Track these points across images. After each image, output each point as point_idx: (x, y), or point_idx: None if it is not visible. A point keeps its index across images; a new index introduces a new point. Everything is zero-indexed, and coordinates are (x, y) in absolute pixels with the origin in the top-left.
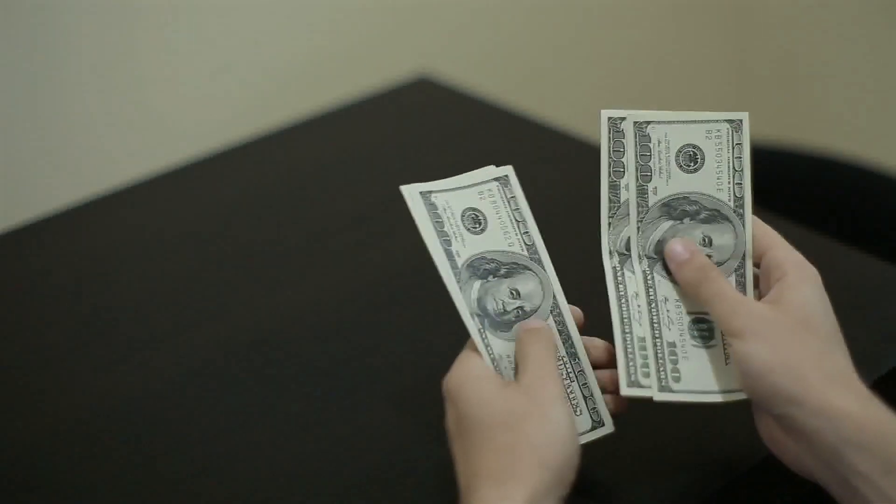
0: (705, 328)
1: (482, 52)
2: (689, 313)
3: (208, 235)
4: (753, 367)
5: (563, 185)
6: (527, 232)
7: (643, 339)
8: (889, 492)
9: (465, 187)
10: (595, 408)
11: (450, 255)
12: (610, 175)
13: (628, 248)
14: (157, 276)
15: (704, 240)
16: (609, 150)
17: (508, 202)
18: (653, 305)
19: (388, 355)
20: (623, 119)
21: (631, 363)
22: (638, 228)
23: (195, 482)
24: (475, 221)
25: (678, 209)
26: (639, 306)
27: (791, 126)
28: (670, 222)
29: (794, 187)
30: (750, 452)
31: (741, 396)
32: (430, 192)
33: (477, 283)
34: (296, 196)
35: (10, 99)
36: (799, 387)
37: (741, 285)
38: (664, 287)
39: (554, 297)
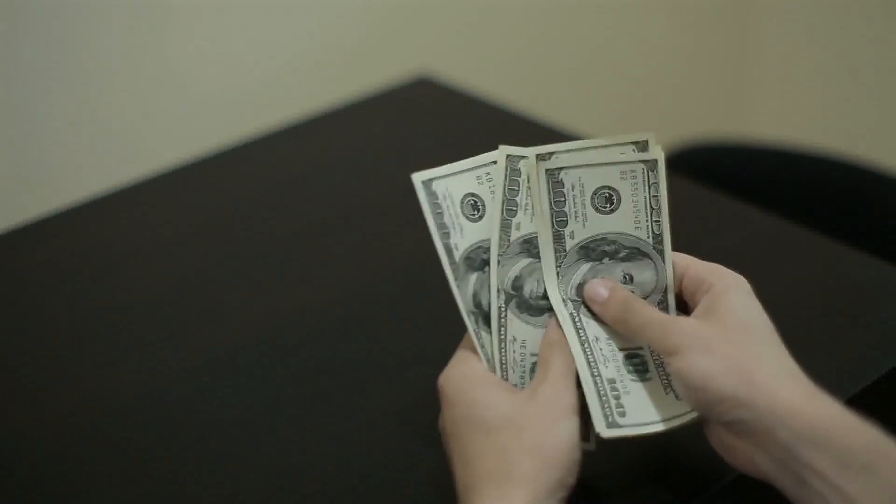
0: (639, 362)
1: (482, 52)
2: (621, 349)
3: (208, 235)
4: (695, 379)
5: None
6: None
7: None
8: (844, 486)
9: (466, 172)
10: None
11: (448, 249)
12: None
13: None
14: (157, 276)
15: (625, 277)
16: (505, 188)
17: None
18: (586, 346)
19: (389, 354)
20: (523, 158)
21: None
22: (558, 273)
23: (195, 482)
24: (474, 208)
25: (597, 250)
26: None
27: (791, 126)
28: (589, 264)
29: (794, 187)
30: None
31: (688, 418)
32: (433, 181)
33: (474, 276)
34: (296, 196)
35: (10, 99)
36: (745, 389)
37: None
38: (592, 327)
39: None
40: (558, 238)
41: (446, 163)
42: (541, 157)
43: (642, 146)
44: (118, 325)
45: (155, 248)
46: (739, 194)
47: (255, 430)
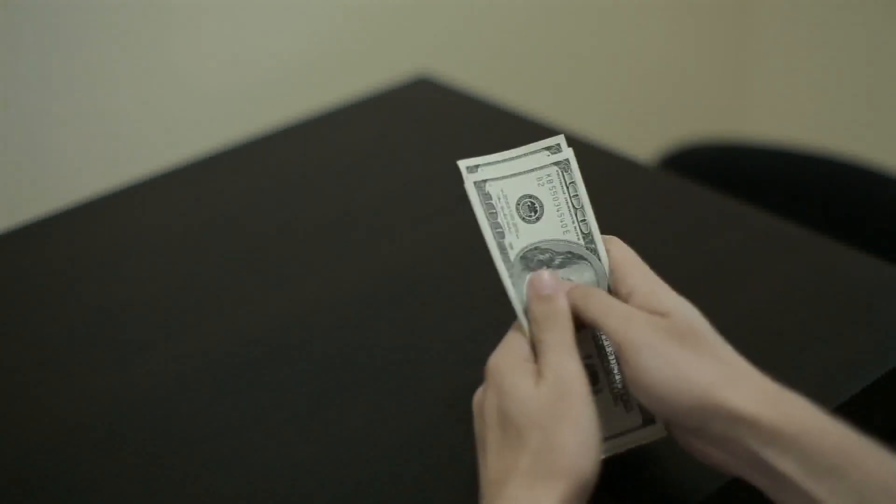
0: (589, 373)
1: (482, 52)
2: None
3: (208, 235)
4: (657, 389)
5: None
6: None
7: None
8: (812, 490)
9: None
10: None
11: (502, 247)
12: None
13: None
14: (156, 276)
15: (569, 279)
16: (486, 214)
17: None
18: None
19: (389, 354)
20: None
21: None
22: (512, 283)
23: (195, 482)
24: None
25: (534, 260)
26: None
27: (790, 126)
28: (529, 274)
29: (794, 187)
30: None
31: (637, 437)
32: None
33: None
34: (295, 196)
35: (10, 99)
36: (708, 400)
37: None
38: None
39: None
40: (502, 249)
41: (447, 163)
42: (469, 170)
43: (555, 149)
44: (118, 325)
45: (155, 248)
46: (739, 194)
47: (254, 430)
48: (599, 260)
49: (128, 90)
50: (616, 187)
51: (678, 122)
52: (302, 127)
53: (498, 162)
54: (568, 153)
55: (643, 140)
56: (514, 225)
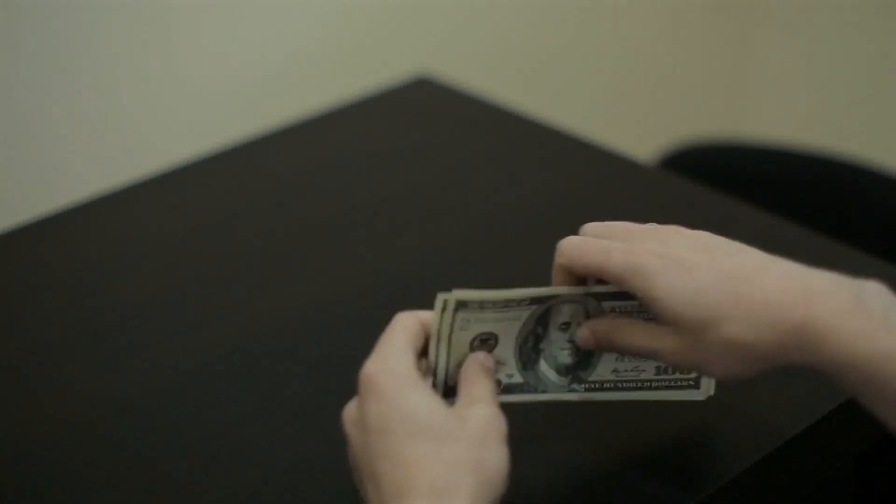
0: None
1: (482, 52)
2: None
3: (208, 235)
4: (732, 379)
5: (563, 185)
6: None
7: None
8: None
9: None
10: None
11: (509, 388)
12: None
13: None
14: (155, 277)
15: (562, 327)
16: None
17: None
18: (622, 384)
19: None
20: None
21: (681, 383)
22: (543, 392)
23: (195, 482)
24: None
25: (529, 353)
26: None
27: (790, 126)
28: (541, 360)
29: (794, 187)
30: (748, 452)
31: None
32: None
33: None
34: (295, 196)
35: (9, 99)
36: (775, 362)
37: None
38: (604, 372)
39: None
40: (510, 389)
41: (446, 163)
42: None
43: (447, 309)
44: (118, 325)
45: (155, 248)
46: (739, 194)
47: (254, 430)
48: (560, 294)
49: (127, 91)
50: (616, 187)
51: (678, 122)
52: (302, 127)
53: (435, 366)
54: (451, 299)
55: (643, 140)
56: (493, 363)
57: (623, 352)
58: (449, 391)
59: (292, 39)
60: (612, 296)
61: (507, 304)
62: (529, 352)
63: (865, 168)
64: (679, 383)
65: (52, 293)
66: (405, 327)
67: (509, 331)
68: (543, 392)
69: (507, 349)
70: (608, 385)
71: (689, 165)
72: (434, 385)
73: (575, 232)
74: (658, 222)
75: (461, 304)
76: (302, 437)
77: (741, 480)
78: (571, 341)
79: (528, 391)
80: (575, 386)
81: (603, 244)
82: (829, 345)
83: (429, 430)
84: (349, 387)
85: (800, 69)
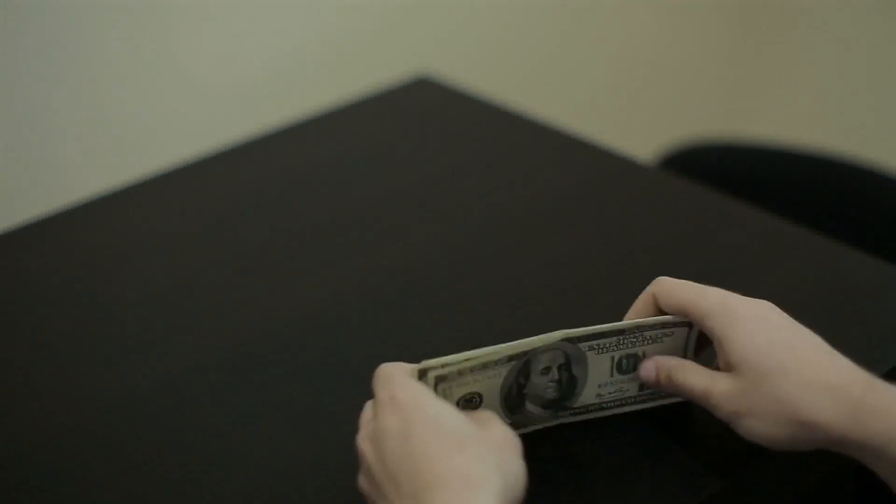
0: (626, 365)
1: (482, 52)
2: (611, 377)
3: (208, 235)
4: (763, 440)
5: (563, 185)
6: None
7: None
8: None
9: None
10: None
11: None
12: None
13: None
14: (155, 277)
15: (543, 371)
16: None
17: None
18: (606, 405)
19: (388, 355)
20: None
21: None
22: (530, 426)
23: (195, 482)
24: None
25: (514, 400)
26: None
27: (791, 126)
28: (526, 402)
29: (794, 187)
30: (750, 452)
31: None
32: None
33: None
34: (295, 196)
35: (9, 99)
36: (795, 420)
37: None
38: (588, 397)
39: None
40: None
41: (446, 163)
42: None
43: (426, 383)
44: (118, 325)
45: (154, 249)
46: (739, 194)
47: (254, 430)
48: (536, 347)
49: (128, 91)
50: (616, 187)
51: (678, 122)
52: (302, 127)
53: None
54: (429, 375)
55: (643, 140)
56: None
57: (677, 389)
58: None
59: (293, 39)
60: (589, 337)
61: (484, 366)
62: (514, 399)
63: (865, 168)
64: (663, 395)
65: (52, 293)
66: (396, 367)
67: (492, 387)
68: (531, 426)
69: (492, 402)
70: (593, 407)
71: (689, 165)
72: None
73: (575, 231)
74: (658, 222)
75: (440, 378)
76: (302, 437)
77: (741, 480)
78: (554, 381)
79: (518, 426)
80: (561, 413)
81: (700, 286)
82: (883, 417)
83: (452, 432)
84: (350, 386)
85: (800, 69)
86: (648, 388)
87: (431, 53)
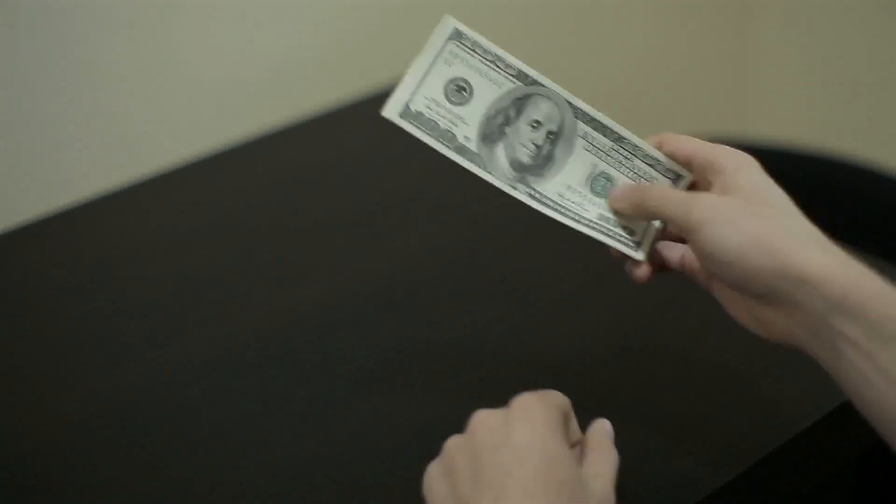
0: (601, 184)
1: None
2: (582, 187)
3: (208, 235)
4: (728, 252)
5: None
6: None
7: (592, 219)
8: (876, 355)
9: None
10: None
11: (462, 150)
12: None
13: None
14: (157, 276)
15: (534, 125)
16: (431, 138)
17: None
18: (559, 207)
19: (390, 353)
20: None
21: (620, 238)
22: (490, 173)
23: (196, 481)
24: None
25: (494, 129)
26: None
27: (791, 126)
28: (500, 143)
29: (794, 187)
30: (747, 452)
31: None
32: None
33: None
34: (295, 196)
35: (9, 98)
36: (777, 261)
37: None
38: (550, 188)
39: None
40: (463, 150)
41: (446, 163)
42: (402, 116)
43: (445, 29)
44: (118, 325)
45: (155, 248)
46: None
47: (255, 430)
48: (545, 86)
49: (127, 91)
50: None
51: (678, 122)
52: (302, 127)
53: (406, 82)
54: (452, 22)
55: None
56: (457, 117)
57: (649, 210)
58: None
59: (293, 39)
60: (590, 119)
61: (496, 59)
62: (495, 128)
63: (865, 168)
64: (619, 237)
65: (53, 292)
66: (544, 398)
67: (485, 94)
68: (489, 173)
69: (476, 112)
70: (549, 203)
71: None
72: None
73: (576, 231)
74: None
75: (457, 34)
76: (302, 437)
77: (741, 480)
78: (536, 145)
79: (477, 163)
80: (520, 185)
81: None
82: (810, 268)
83: (563, 480)
84: (350, 385)
85: (800, 69)
86: (606, 222)
87: None
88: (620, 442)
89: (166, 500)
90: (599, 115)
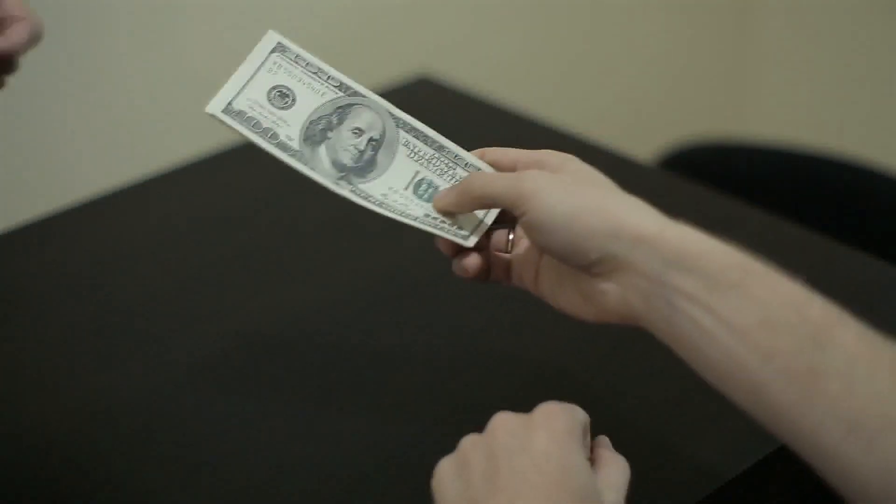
0: (424, 187)
1: (482, 52)
2: (405, 189)
3: (208, 235)
4: (561, 215)
5: None
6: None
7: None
8: (715, 306)
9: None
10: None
11: (283, 146)
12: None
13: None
14: (156, 275)
15: (355, 131)
16: (255, 135)
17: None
18: (384, 206)
19: (387, 355)
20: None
21: (448, 230)
22: (313, 169)
23: (196, 481)
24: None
25: (316, 133)
26: (386, 202)
27: (791, 126)
28: (323, 145)
29: (794, 187)
30: (744, 455)
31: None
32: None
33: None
34: (296, 196)
35: (9, 99)
36: (610, 223)
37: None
38: (374, 189)
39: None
40: (285, 147)
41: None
42: (224, 112)
43: (268, 44)
44: (118, 325)
45: (155, 248)
46: (739, 194)
47: (254, 430)
48: (366, 97)
49: (128, 90)
50: None
51: (678, 122)
52: None
53: (229, 85)
54: (276, 37)
55: (643, 140)
56: (280, 119)
57: (478, 199)
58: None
59: (293, 39)
60: (412, 129)
61: (318, 71)
62: (317, 132)
63: (865, 168)
64: (447, 230)
65: (54, 291)
66: (567, 412)
67: (308, 101)
68: (312, 170)
69: (299, 116)
70: (373, 200)
71: (689, 165)
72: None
73: None
74: None
75: (281, 47)
76: (302, 437)
77: (741, 480)
78: (358, 150)
79: (299, 159)
80: (342, 183)
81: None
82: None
83: (578, 491)
84: (351, 385)
85: (800, 69)
86: (436, 219)
87: (432, 53)
88: (620, 442)
89: (167, 499)
90: (420, 125)
